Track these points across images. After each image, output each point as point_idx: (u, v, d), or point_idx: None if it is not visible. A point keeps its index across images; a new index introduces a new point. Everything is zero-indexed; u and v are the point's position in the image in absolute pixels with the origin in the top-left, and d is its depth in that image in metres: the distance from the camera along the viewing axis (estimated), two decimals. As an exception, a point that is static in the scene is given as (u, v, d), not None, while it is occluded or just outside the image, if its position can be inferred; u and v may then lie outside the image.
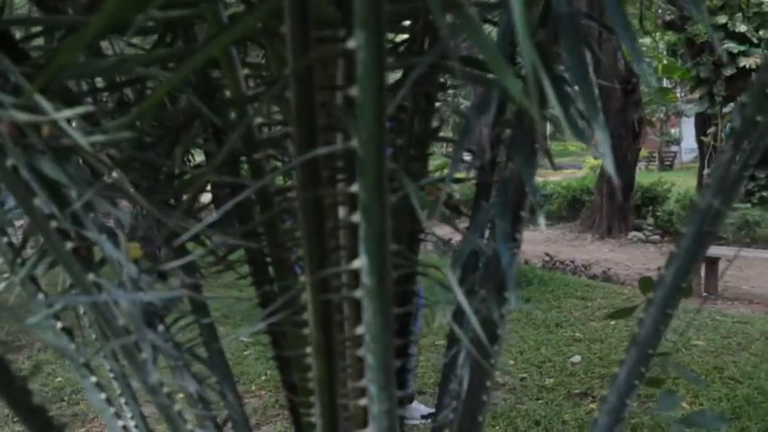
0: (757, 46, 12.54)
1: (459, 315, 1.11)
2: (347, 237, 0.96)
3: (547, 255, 10.51)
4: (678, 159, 28.44)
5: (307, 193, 0.84)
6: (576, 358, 5.80)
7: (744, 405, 4.68)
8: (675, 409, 1.49)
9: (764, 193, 13.87)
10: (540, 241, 12.81)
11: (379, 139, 0.70)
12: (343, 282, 0.95)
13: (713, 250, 9.01)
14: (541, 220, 0.80)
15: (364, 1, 0.66)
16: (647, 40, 21.46)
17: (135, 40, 1.31)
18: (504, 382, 5.24)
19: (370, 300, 0.77)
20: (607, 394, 1.10)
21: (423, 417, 4.70)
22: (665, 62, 16.31)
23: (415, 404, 4.84)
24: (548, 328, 6.75)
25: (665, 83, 20.94)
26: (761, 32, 12.93)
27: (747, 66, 12.67)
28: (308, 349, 0.96)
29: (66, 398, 5.18)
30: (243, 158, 1.06)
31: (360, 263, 0.76)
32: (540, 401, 4.87)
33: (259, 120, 1.01)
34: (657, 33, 16.87)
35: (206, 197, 1.30)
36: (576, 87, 0.77)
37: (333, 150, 0.79)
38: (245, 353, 5.94)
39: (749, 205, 12.99)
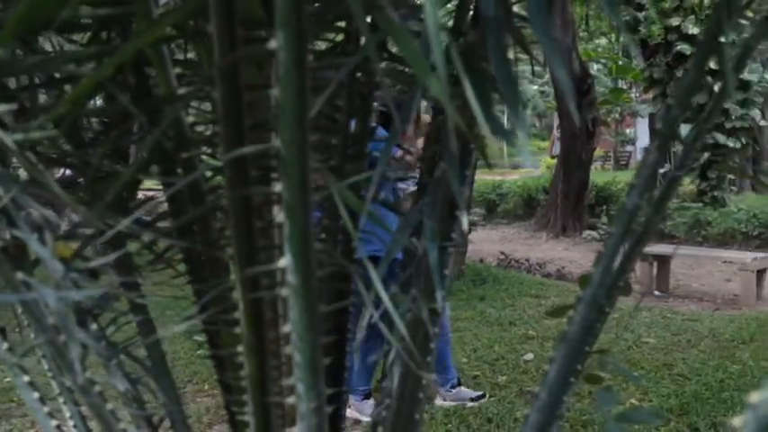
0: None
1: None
2: (281, 236, 0.97)
3: (502, 253, 10.59)
4: (633, 159, 28.77)
5: (235, 192, 0.84)
6: (529, 356, 5.85)
7: (692, 401, 4.75)
8: (613, 405, 1.51)
9: (716, 193, 14.10)
10: (495, 240, 12.91)
11: (301, 139, 0.71)
12: (277, 280, 0.96)
13: (665, 249, 9.16)
14: (464, 221, 0.81)
15: (285, 1, 0.66)
16: (603, 41, 21.70)
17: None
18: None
19: (295, 298, 0.78)
20: (539, 391, 1.12)
21: (472, 399, 4.78)
22: (620, 63, 16.51)
23: (463, 388, 4.90)
24: (501, 325, 6.80)
25: (621, 83, 21.21)
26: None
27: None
28: (240, 348, 0.96)
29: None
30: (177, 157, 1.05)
31: (284, 262, 0.76)
32: (492, 399, 4.90)
33: (192, 119, 1.01)
34: (613, 35, 17.06)
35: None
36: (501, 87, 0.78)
37: (257, 150, 0.79)
38: (198, 352, 5.91)
39: (701, 205, 13.20)
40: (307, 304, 0.78)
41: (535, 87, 27.33)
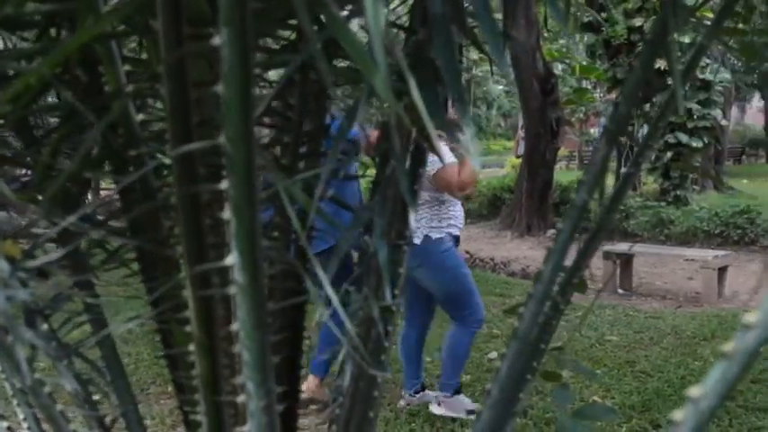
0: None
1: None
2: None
3: (467, 252, 10.62)
4: (592, 157, 28.88)
5: (183, 189, 0.84)
6: (494, 354, 5.87)
7: (653, 398, 4.80)
8: (570, 403, 1.52)
9: (679, 192, 14.26)
10: (460, 239, 12.92)
11: (247, 136, 0.71)
12: (228, 278, 0.95)
13: (628, 247, 9.25)
14: (411, 219, 0.81)
15: (228, -2, 0.66)
16: (567, 41, 21.85)
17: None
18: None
19: (242, 296, 0.78)
20: (490, 387, 1.12)
21: (468, 412, 4.67)
22: (584, 63, 16.62)
23: (461, 396, 4.79)
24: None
25: (585, 83, 21.35)
26: (675, 35, 13.27)
27: (662, 67, 12.98)
28: (192, 347, 0.95)
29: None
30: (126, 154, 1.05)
31: (231, 260, 0.76)
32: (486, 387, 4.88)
33: (141, 116, 1.00)
34: (577, 35, 17.18)
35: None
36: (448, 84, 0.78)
37: (204, 147, 0.78)
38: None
39: (664, 203, 13.34)
40: (254, 302, 0.78)
41: (500, 87, 27.45)
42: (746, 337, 0.62)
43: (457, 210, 4.56)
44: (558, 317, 1.37)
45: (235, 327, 0.81)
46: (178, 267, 1.06)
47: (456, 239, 4.71)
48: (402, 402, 4.85)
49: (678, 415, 0.66)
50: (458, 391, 4.72)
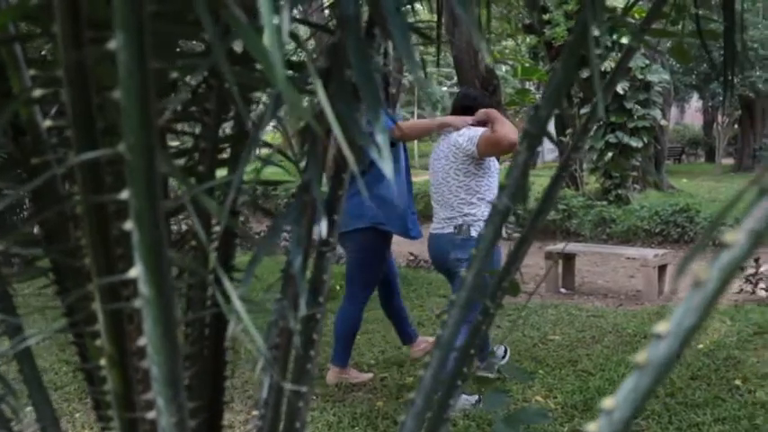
0: (612, 49, 13.01)
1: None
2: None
3: (411, 254, 10.62)
4: (540, 159, 29.28)
5: (88, 199, 0.81)
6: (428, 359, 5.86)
7: (595, 396, 4.84)
8: (501, 407, 1.51)
9: (620, 191, 14.44)
10: (405, 241, 12.91)
11: (148, 143, 0.68)
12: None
13: (570, 247, 9.34)
14: (322, 227, 0.79)
15: (124, 1, 0.63)
16: (510, 43, 22.03)
17: None
18: (364, 381, 5.26)
19: (148, 309, 0.75)
20: (414, 397, 1.10)
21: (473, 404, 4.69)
22: (527, 65, 16.75)
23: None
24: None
25: (528, 84, 21.56)
26: (615, 36, 13.44)
27: (603, 68, 13.14)
28: (103, 361, 0.92)
29: None
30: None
31: (135, 272, 0.73)
32: (400, 401, 4.89)
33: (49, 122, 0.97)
34: (519, 36, 17.31)
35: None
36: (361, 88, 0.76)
37: (106, 155, 0.75)
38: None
39: (605, 203, 13.50)
40: (161, 315, 0.75)
41: (444, 88, 27.56)
42: (658, 347, 0.61)
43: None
44: (488, 321, 1.36)
45: (142, 341, 0.78)
46: (89, 279, 1.03)
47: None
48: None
49: (592, 427, 0.64)
50: None
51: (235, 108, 1.10)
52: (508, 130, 4.62)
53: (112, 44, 0.64)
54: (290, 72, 1.04)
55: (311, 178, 0.85)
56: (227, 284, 0.73)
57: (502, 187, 1.01)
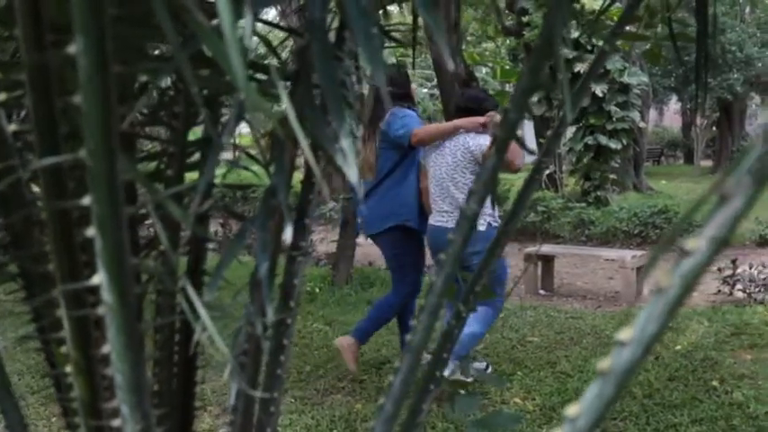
0: (590, 52, 13.08)
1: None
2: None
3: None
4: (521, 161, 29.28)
5: (50, 204, 0.80)
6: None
7: (574, 398, 4.83)
8: (473, 410, 1.51)
9: (599, 193, 14.50)
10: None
11: (109, 148, 0.67)
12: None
13: (549, 249, 9.37)
14: (288, 231, 0.79)
15: (83, 5, 0.63)
16: (490, 45, 22.08)
17: None
18: (342, 384, 5.25)
19: (112, 317, 0.74)
20: (384, 402, 1.10)
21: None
22: (506, 67, 16.80)
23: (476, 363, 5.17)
24: (388, 328, 6.76)
25: (507, 86, 21.61)
26: (593, 39, 13.51)
27: (581, 71, 13.19)
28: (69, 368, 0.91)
29: None
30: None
31: (98, 279, 0.72)
32: (379, 403, 4.87)
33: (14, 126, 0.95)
34: (499, 39, 17.36)
35: None
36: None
37: (69, 160, 0.74)
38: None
39: (585, 204, 13.55)
40: (125, 323, 0.74)
41: (425, 90, 27.60)
42: (621, 354, 0.60)
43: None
44: (461, 325, 1.35)
45: (106, 348, 0.77)
46: (55, 284, 1.02)
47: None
48: None
49: (556, 434, 0.64)
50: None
51: (206, 111, 1.09)
52: (515, 155, 4.80)
53: (72, 48, 0.64)
54: (259, 75, 1.03)
55: (278, 182, 0.85)
56: (191, 291, 0.72)
57: (470, 192, 1.00)
